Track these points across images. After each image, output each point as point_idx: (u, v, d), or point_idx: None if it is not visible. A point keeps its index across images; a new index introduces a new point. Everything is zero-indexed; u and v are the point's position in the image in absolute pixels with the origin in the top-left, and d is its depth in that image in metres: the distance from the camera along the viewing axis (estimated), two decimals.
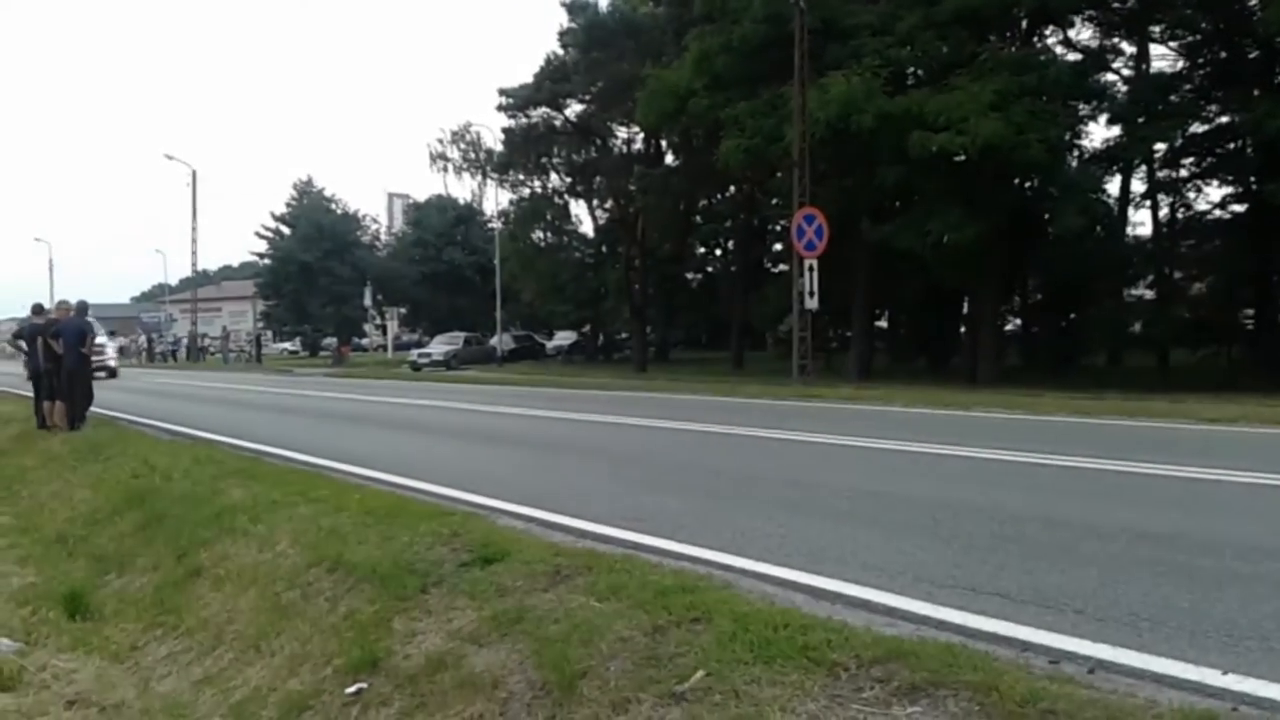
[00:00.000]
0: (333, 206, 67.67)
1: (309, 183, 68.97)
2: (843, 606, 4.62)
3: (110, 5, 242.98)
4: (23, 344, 17.20)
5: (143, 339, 72.91)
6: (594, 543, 6.03)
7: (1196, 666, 3.66)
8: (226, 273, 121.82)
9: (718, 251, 55.36)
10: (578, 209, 52.91)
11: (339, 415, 17.69)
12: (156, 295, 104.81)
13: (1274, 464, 8.29)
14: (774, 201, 38.62)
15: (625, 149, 46.86)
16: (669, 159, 45.16)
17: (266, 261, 67.22)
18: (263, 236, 67.35)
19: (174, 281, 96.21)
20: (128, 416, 17.23)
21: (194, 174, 58.51)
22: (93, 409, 16.47)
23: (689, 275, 54.88)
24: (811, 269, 23.65)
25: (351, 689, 4.93)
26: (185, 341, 65.19)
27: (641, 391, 22.45)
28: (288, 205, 67.57)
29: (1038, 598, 4.64)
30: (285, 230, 65.98)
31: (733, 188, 44.43)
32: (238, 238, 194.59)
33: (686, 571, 5.19)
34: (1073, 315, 33.22)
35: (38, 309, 16.90)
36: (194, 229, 57.38)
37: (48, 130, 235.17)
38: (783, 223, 36.57)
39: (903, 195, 29.06)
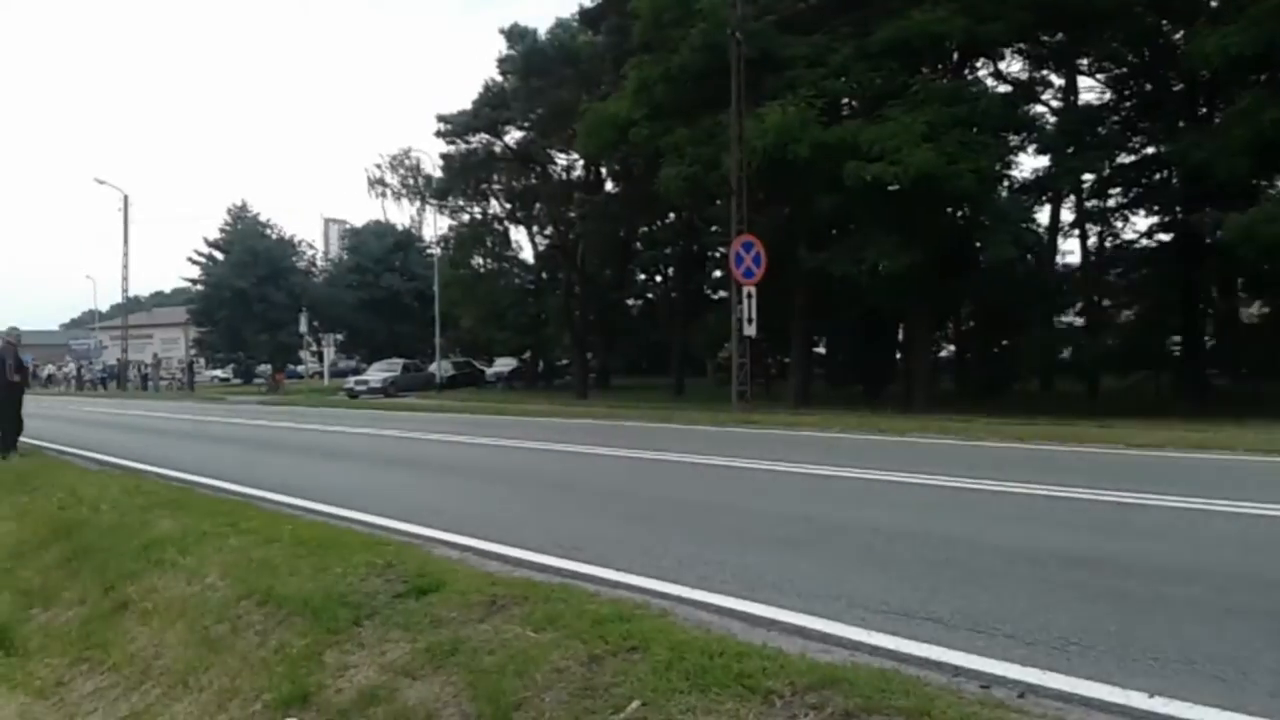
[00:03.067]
0: (268, 232, 66.87)
1: (244, 208, 68.12)
2: (778, 633, 4.64)
3: (39, 26, 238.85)
4: None
5: (71, 367, 71.41)
6: (531, 572, 5.99)
7: (1123, 690, 3.72)
8: (159, 299, 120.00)
9: (658, 278, 55.52)
10: (518, 235, 52.95)
11: (272, 444, 17.45)
12: (86, 322, 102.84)
13: (1200, 488, 8.47)
14: (713, 229, 38.87)
15: (565, 176, 46.96)
16: (609, 186, 45.33)
17: (199, 287, 66.22)
18: (196, 262, 66.39)
19: (104, 308, 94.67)
20: (56, 446, 16.85)
21: (125, 199, 57.61)
22: (21, 438, 16.16)
23: (629, 302, 54.96)
24: (750, 296, 23.82)
25: None
26: (116, 369, 63.63)
27: (581, 418, 22.42)
28: (222, 230, 66.68)
29: (969, 622, 4.69)
30: (219, 256, 65.10)
31: (672, 215, 44.66)
32: (170, 263, 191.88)
33: (624, 600, 5.17)
34: (1005, 342, 33.75)
35: None
36: (125, 254, 56.52)
37: None
38: (722, 250, 36.84)
39: (839, 223, 29.40)
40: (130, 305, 69.93)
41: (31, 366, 16.16)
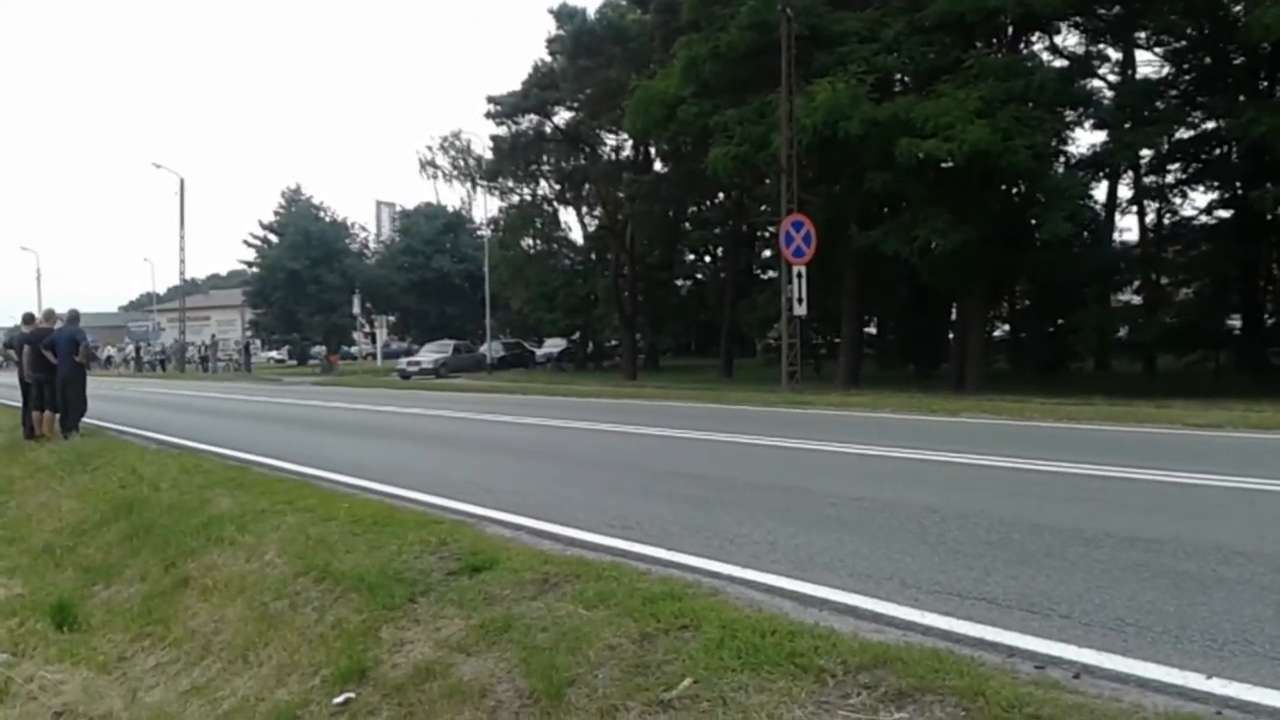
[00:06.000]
0: (321, 214, 67.59)
1: (297, 191, 68.94)
2: (830, 613, 4.63)
3: (98, 13, 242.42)
4: (12, 353, 17.22)
5: (130, 348, 72.70)
6: (582, 550, 6.04)
7: (1181, 671, 3.68)
8: (215, 281, 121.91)
9: (707, 258, 55.32)
10: (567, 216, 53.01)
11: (327, 424, 17.66)
12: (144, 304, 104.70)
13: (1259, 468, 8.33)
14: (763, 208, 38.69)
15: (614, 156, 46.85)
16: (658, 166, 45.16)
17: (255, 270, 67.20)
18: (251, 245, 67.42)
19: (162, 290, 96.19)
20: (116, 426, 17.16)
21: (182, 182, 58.30)
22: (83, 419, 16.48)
23: (678, 282, 54.80)
24: (800, 275, 23.70)
25: (339, 699, 4.92)
26: (174, 350, 64.59)
27: (631, 399, 22.46)
28: (276, 213, 67.56)
29: (1024, 603, 4.66)
30: (273, 239, 65.96)
31: (721, 195, 44.49)
32: (226, 246, 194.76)
33: (675, 579, 5.19)
34: (1060, 321, 33.27)
35: (28, 318, 16.93)
36: (182, 237, 57.25)
37: (34, 138, 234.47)
38: (771, 229, 36.64)
39: (890, 201, 29.13)
40: (187, 288, 71.01)
41: (93, 348, 16.41)
